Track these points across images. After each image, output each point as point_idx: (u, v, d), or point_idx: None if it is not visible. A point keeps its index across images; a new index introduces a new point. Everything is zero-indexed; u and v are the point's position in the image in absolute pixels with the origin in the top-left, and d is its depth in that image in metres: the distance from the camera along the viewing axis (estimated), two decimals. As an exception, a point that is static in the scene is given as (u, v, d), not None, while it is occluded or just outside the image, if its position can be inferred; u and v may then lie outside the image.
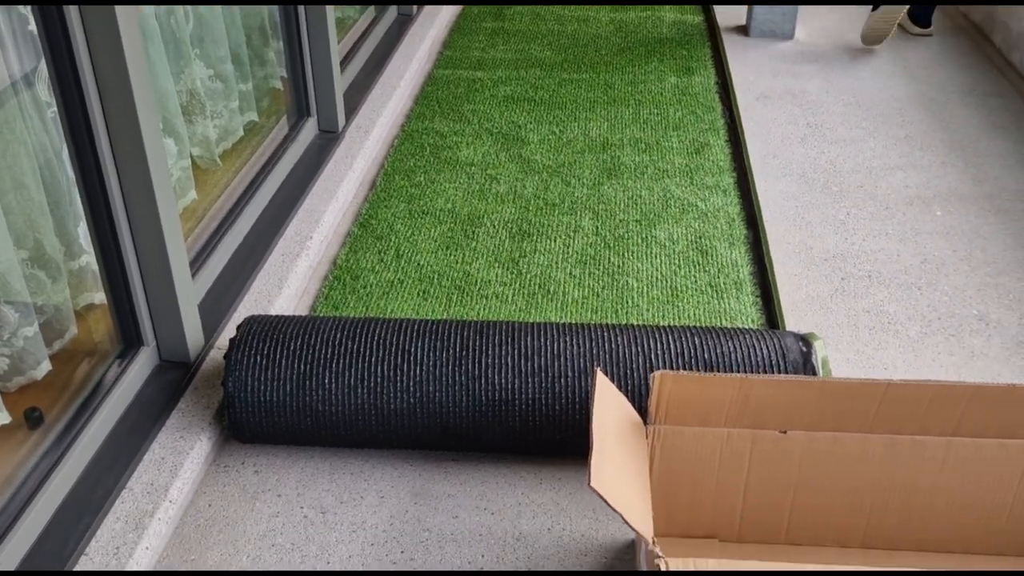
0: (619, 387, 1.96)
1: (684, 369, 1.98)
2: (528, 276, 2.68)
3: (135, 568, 1.76)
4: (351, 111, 3.42)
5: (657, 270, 2.71)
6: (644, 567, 1.64)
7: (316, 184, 2.98)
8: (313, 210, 2.84)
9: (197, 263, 2.41)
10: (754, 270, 2.73)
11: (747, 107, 3.69)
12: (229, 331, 2.31)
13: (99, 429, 1.97)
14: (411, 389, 1.97)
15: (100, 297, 2.13)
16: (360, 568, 1.83)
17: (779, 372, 1.98)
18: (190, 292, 2.20)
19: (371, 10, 4.13)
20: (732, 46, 4.28)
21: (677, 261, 2.75)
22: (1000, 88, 3.84)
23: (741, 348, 2.00)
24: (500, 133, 3.49)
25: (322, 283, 2.68)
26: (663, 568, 1.40)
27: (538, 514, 1.94)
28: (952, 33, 4.43)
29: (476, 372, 1.97)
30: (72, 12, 1.80)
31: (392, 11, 4.28)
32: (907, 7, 4.20)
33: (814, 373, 1.98)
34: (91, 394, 2.03)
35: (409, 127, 3.55)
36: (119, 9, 1.83)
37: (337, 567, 1.83)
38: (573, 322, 2.30)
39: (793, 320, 2.48)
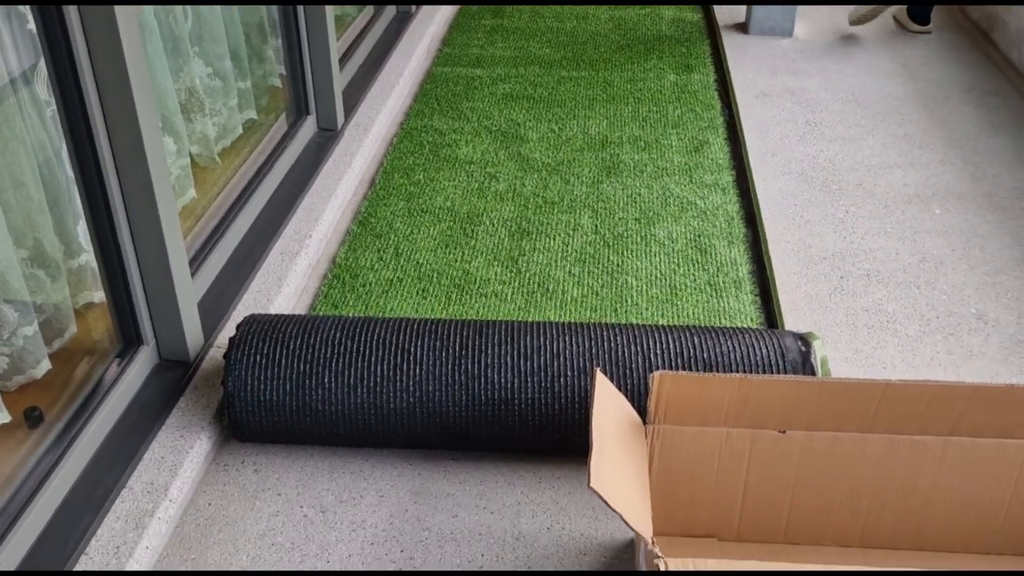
0: (618, 386, 1.97)
1: (683, 368, 1.98)
2: (527, 275, 2.68)
3: (135, 568, 1.76)
4: (350, 109, 3.42)
5: (656, 268, 2.71)
6: (643, 566, 1.64)
7: (315, 182, 2.98)
8: (312, 208, 2.84)
9: (196, 262, 2.41)
10: (753, 268, 2.73)
11: (746, 105, 3.69)
12: (229, 330, 2.31)
13: (99, 428, 1.98)
14: (410, 388, 1.97)
15: (99, 296, 2.13)
16: (360, 567, 1.83)
17: (778, 371, 1.98)
18: (189, 291, 2.20)
19: (370, 7, 4.12)
20: (731, 43, 4.28)
21: (676, 259, 2.75)
22: (999, 86, 3.84)
23: (740, 347, 2.01)
24: (499, 131, 3.49)
25: (321, 281, 2.68)
26: (662, 568, 1.40)
27: (537, 513, 1.95)
28: (951, 30, 4.43)
29: (475, 371, 1.97)
30: (71, 11, 1.80)
31: (391, 8, 4.28)
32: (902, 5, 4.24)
33: (813, 372, 1.99)
34: (91, 393, 2.03)
35: (408, 125, 3.55)
36: (118, 8, 1.82)
37: (337, 566, 1.83)
38: (572, 321, 2.31)
39: (792, 319, 2.49)
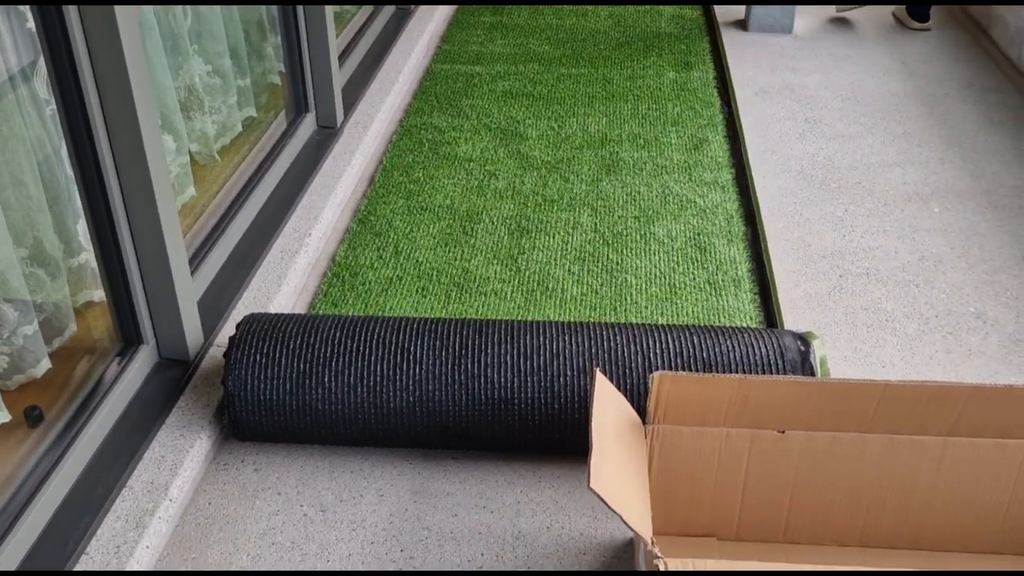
0: (618, 386, 1.97)
1: (682, 368, 1.99)
2: (527, 273, 2.68)
3: (136, 567, 1.77)
4: (349, 106, 3.42)
5: (656, 267, 2.71)
6: (643, 566, 1.65)
7: (315, 180, 2.98)
8: (312, 207, 2.84)
9: (196, 260, 2.41)
10: (752, 267, 2.73)
11: (745, 102, 3.69)
12: (228, 328, 2.31)
13: (99, 427, 1.98)
14: (410, 388, 1.98)
15: (99, 295, 2.13)
16: (360, 567, 1.84)
17: (777, 371, 1.99)
18: (189, 289, 2.20)
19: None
20: (731, 40, 4.28)
21: (676, 258, 2.75)
22: (998, 83, 3.84)
23: (739, 347, 2.01)
24: (499, 128, 3.49)
25: (321, 280, 2.68)
26: (661, 568, 1.41)
27: (537, 512, 1.95)
28: (950, 26, 4.43)
29: (475, 371, 1.97)
30: (71, 10, 1.80)
31: (390, 5, 4.27)
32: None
33: (812, 372, 1.99)
34: (91, 392, 2.03)
35: (407, 122, 3.55)
36: (118, 7, 1.82)
37: (337, 566, 1.84)
38: (572, 320, 2.31)
39: (791, 318, 2.49)
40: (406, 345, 2.00)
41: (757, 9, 4.34)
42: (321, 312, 2.54)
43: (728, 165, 3.26)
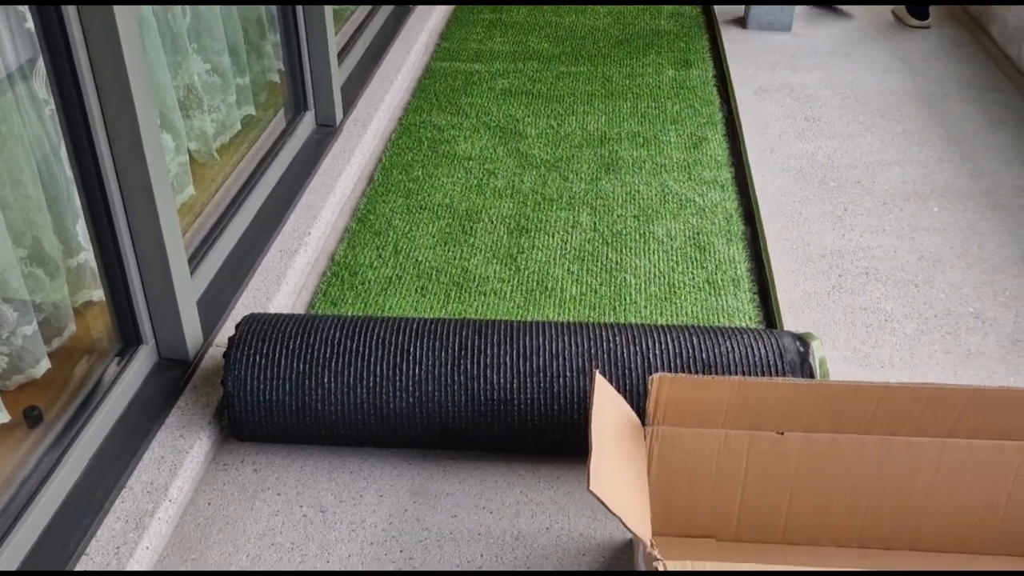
0: (617, 386, 1.97)
1: (682, 368, 1.99)
2: (526, 272, 2.68)
3: (136, 568, 1.77)
4: (348, 104, 3.41)
5: (655, 266, 2.71)
6: (642, 567, 1.65)
7: (314, 179, 2.98)
8: (311, 205, 2.84)
9: (195, 259, 2.41)
10: (751, 266, 2.74)
11: (745, 101, 3.69)
12: (228, 328, 2.31)
13: (99, 428, 1.98)
14: (410, 388, 1.98)
15: (99, 294, 2.13)
16: (360, 567, 1.84)
17: (777, 372, 1.99)
18: (189, 289, 2.20)
19: (368, 1, 4.11)
20: (730, 38, 4.27)
21: (675, 257, 2.75)
22: (997, 82, 3.84)
23: (739, 348, 2.01)
24: (498, 127, 3.49)
25: (320, 279, 2.68)
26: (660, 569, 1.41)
27: (536, 513, 1.95)
28: (950, 24, 4.42)
29: (475, 372, 1.98)
30: (70, 10, 1.80)
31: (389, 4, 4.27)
32: None
33: (811, 373, 1.99)
34: (91, 393, 2.03)
35: (407, 121, 3.54)
36: (117, 6, 1.82)
37: (336, 566, 1.84)
38: (571, 321, 2.31)
39: (790, 317, 2.49)
40: (405, 346, 2.01)
41: (756, 7, 4.34)
42: (320, 312, 2.54)
43: (727, 164, 3.26)
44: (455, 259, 2.74)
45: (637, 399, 1.96)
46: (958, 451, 1.72)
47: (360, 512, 1.95)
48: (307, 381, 1.99)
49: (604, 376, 1.96)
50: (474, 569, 1.84)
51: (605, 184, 3.13)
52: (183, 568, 1.84)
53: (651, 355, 1.99)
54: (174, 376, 2.17)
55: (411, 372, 1.98)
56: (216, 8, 2.71)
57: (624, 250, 2.79)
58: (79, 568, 1.73)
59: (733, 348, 2.01)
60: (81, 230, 2.05)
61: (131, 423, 2.03)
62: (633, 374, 1.98)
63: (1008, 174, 3.18)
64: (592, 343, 2.01)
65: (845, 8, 4.57)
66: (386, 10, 4.20)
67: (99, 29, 1.83)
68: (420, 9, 4.36)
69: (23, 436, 1.89)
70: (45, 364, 1.96)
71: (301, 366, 1.99)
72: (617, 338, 2.02)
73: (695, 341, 2.02)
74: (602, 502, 1.43)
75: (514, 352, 1.99)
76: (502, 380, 1.97)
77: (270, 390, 1.99)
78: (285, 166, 3.01)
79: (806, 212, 2.98)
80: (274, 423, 2.01)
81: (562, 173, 3.19)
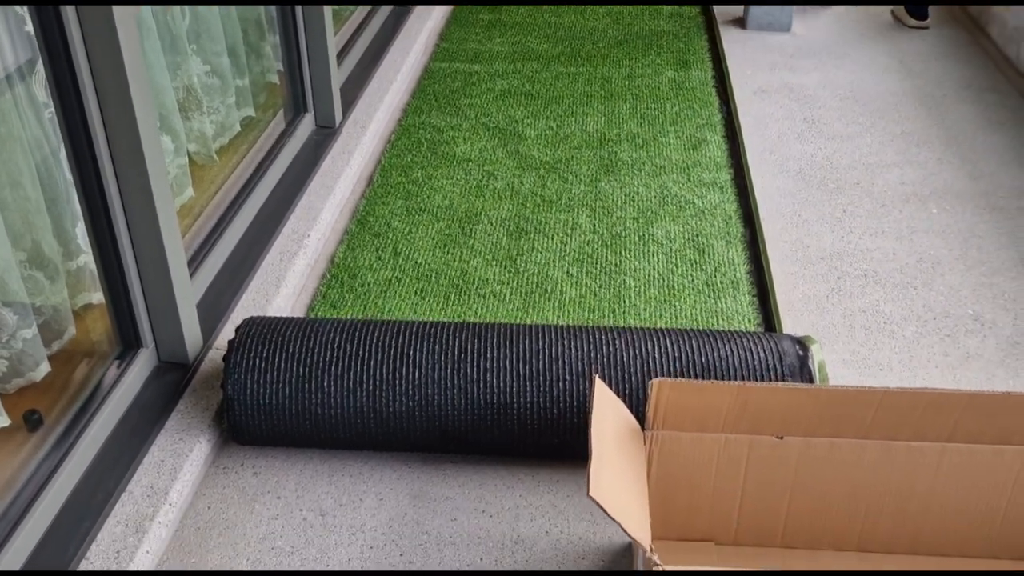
0: (616, 390, 1.97)
1: (681, 372, 1.99)
2: (525, 275, 2.69)
3: (136, 572, 1.77)
4: (348, 106, 3.41)
5: (654, 268, 2.71)
6: (641, 570, 1.65)
7: (313, 181, 2.98)
8: (310, 207, 2.84)
9: (195, 262, 2.41)
10: (751, 268, 2.74)
11: (744, 102, 3.69)
12: (227, 331, 2.31)
13: (99, 431, 1.98)
14: (410, 392, 1.98)
15: (98, 297, 2.13)
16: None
17: (776, 375, 1.99)
18: (188, 292, 2.20)
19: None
20: (729, 39, 4.27)
21: (674, 259, 2.75)
22: (996, 83, 3.84)
23: (738, 352, 2.01)
24: (497, 128, 3.49)
25: (320, 281, 2.68)
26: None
27: (536, 517, 1.96)
28: (949, 25, 4.43)
29: (474, 375, 1.98)
30: (69, 12, 1.79)
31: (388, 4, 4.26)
32: None
33: (811, 376, 1.99)
34: (90, 396, 2.03)
35: (406, 122, 3.54)
36: (117, 8, 1.81)
37: (337, 570, 1.84)
38: (571, 324, 2.31)
39: (790, 320, 2.49)
40: (405, 349, 2.01)
41: (756, 7, 4.34)
42: (320, 314, 2.54)
43: (726, 165, 3.26)
44: (454, 261, 2.74)
45: (636, 403, 1.96)
46: (957, 456, 1.73)
47: (360, 516, 1.95)
48: (307, 385, 1.99)
49: (603, 380, 1.97)
50: (473, 570, 1.84)
51: (604, 186, 3.13)
52: (183, 572, 1.84)
53: (650, 359, 1.99)
54: (174, 379, 2.17)
55: (411, 376, 1.98)
56: (215, 9, 2.71)
57: (623, 252, 2.79)
58: (79, 572, 1.74)
59: (732, 352, 2.01)
60: (81, 233, 2.05)
61: (131, 426, 2.03)
62: (632, 378, 1.98)
63: (1007, 175, 3.18)
64: (592, 347, 2.01)
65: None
66: (385, 10, 4.19)
67: (98, 31, 1.83)
68: (419, 9, 4.36)
69: (23, 440, 1.89)
70: (45, 367, 1.96)
71: (301, 370, 2.00)
72: (616, 342, 2.02)
73: (694, 345, 2.02)
74: (602, 507, 1.43)
75: (514, 356, 2.00)
76: (502, 384, 1.97)
77: (270, 394, 1.99)
78: (284, 168, 3.01)
79: (805, 214, 2.98)
80: (274, 427, 2.01)
81: (561, 175, 3.19)
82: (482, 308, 2.55)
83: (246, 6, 2.91)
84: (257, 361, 2.01)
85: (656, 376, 1.97)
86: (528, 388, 1.97)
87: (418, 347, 2.01)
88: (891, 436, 1.72)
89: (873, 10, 4.61)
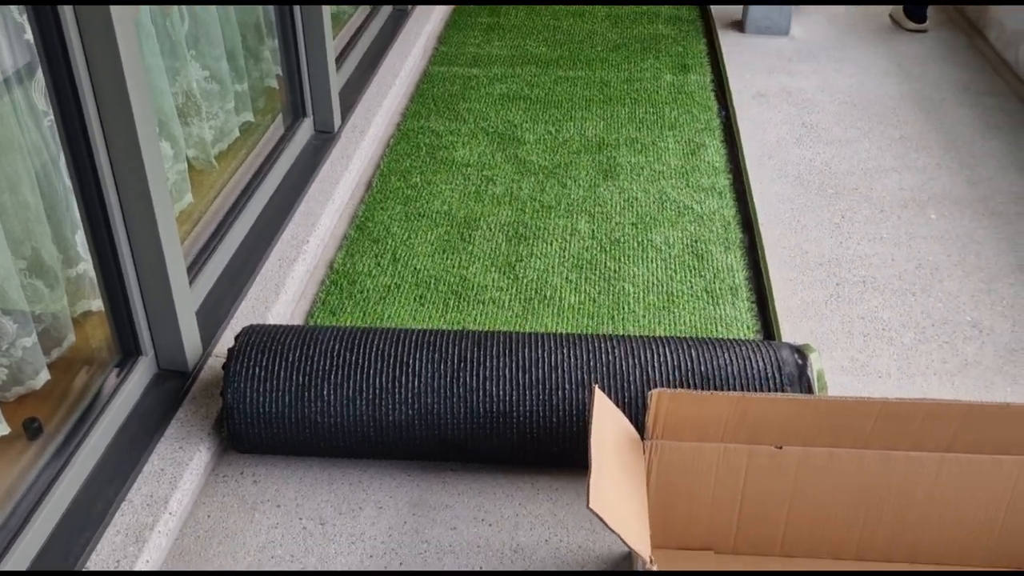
0: (615, 399, 1.98)
1: (680, 381, 1.99)
2: (525, 281, 2.69)
3: (136, 581, 1.77)
4: (347, 110, 3.41)
5: (653, 275, 2.72)
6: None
7: (312, 186, 2.98)
8: (310, 213, 2.84)
9: (194, 269, 2.41)
10: (749, 275, 2.74)
11: (743, 106, 3.69)
12: (227, 338, 2.31)
13: (99, 440, 1.98)
14: (409, 401, 1.98)
15: (98, 304, 2.13)
16: (359, 580, 1.84)
17: (775, 384, 1.99)
18: (188, 299, 2.20)
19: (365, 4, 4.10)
20: (728, 42, 4.28)
21: (673, 266, 2.76)
22: (994, 87, 3.85)
23: (737, 361, 2.02)
24: (496, 132, 3.49)
25: (319, 288, 2.68)
26: (661, 588, 1.42)
27: (535, 525, 1.96)
28: (947, 28, 4.43)
29: (474, 384, 1.98)
30: (68, 16, 1.79)
31: (387, 6, 4.26)
32: None
33: (809, 385, 2.00)
34: (90, 404, 2.03)
35: (405, 126, 3.54)
36: (115, 13, 1.81)
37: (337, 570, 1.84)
38: (570, 332, 2.31)
39: (788, 327, 2.50)
40: (405, 358, 2.01)
41: (754, 11, 4.34)
42: (319, 320, 2.54)
43: (725, 170, 3.27)
44: (453, 267, 2.74)
45: (636, 411, 1.96)
46: (956, 465, 1.73)
47: (359, 524, 1.96)
48: (306, 393, 1.99)
49: (603, 389, 1.97)
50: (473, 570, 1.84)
51: (603, 191, 3.13)
52: (183, 581, 1.84)
53: (649, 368, 2.00)
54: (173, 387, 2.17)
55: (410, 384, 1.98)
56: (214, 14, 2.71)
57: (622, 258, 2.79)
58: (79, 582, 1.74)
59: (731, 360, 2.02)
60: (80, 240, 2.05)
61: (131, 435, 2.04)
62: (632, 387, 1.98)
63: (1004, 180, 3.19)
64: (591, 355, 2.01)
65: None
66: (384, 14, 4.19)
67: (97, 36, 1.83)
68: (418, 12, 4.35)
69: (23, 448, 1.89)
70: (44, 375, 1.96)
71: (300, 378, 2.00)
72: (616, 350, 2.03)
73: (694, 354, 2.02)
74: (602, 519, 1.43)
75: (513, 364, 2.00)
76: (501, 392, 1.98)
77: (269, 402, 1.99)
78: (283, 173, 3.01)
79: (804, 219, 2.98)
80: (274, 435, 2.02)
81: (560, 180, 3.19)
82: (481, 314, 2.56)
83: (245, 8, 2.91)
84: (257, 370, 2.01)
85: (655, 385, 1.98)
86: (527, 397, 1.97)
87: (417, 356, 2.01)
88: (890, 446, 1.72)
89: (871, 13, 4.61)
